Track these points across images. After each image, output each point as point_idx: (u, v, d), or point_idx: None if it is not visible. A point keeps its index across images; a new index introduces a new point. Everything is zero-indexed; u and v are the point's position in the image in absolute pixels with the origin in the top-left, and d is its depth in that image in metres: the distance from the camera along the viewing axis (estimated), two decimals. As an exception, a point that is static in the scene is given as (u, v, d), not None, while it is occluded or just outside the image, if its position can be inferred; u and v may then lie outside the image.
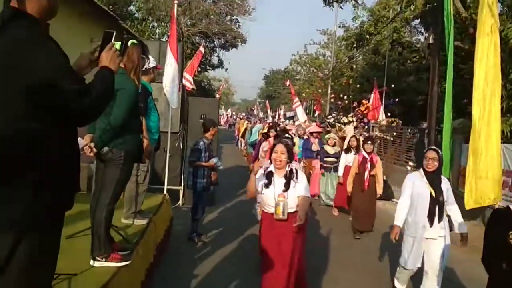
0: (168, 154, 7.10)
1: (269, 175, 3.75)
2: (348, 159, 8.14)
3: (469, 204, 6.24)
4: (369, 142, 7.28)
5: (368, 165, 7.07)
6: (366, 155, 7.14)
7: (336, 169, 8.98)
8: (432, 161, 4.20)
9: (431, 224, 4.10)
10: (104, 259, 3.06)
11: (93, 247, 3.08)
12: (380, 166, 7.32)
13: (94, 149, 3.08)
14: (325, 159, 9.46)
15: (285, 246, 3.61)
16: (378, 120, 15.46)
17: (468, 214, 7.47)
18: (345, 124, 14.46)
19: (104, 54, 1.94)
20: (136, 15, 20.74)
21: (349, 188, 7.40)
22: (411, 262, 4.23)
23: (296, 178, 3.70)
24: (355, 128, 15.52)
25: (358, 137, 8.56)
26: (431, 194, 4.13)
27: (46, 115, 1.69)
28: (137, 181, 4.37)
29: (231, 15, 24.91)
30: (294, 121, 20.12)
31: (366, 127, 15.91)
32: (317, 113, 24.40)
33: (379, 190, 7.22)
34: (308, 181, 10.39)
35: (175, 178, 7.97)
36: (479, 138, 6.47)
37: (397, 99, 17.47)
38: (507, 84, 8.11)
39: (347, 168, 7.98)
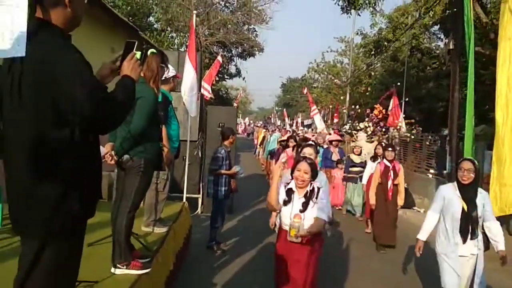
0: (187, 163, 7.15)
1: (289, 193, 3.53)
2: (374, 168, 7.63)
3: (494, 213, 6.09)
4: (390, 149, 6.93)
5: (391, 173, 6.73)
6: (388, 164, 6.80)
7: (361, 179, 8.65)
8: (468, 172, 3.81)
9: (464, 241, 3.79)
10: (125, 267, 3.08)
11: (114, 255, 3.11)
12: (402, 174, 6.97)
13: (115, 157, 3.12)
14: (350, 168, 9.14)
15: (297, 270, 3.43)
16: (398, 127, 15.28)
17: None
18: (359, 130, 14.37)
19: (125, 63, 1.97)
20: (155, 26, 21.09)
21: (372, 200, 6.98)
22: (449, 282, 3.86)
23: (316, 198, 3.45)
24: (373, 133, 15.40)
25: (383, 145, 8.12)
26: (463, 209, 3.79)
27: (72, 123, 1.73)
28: (157, 189, 4.40)
29: (248, 24, 25.09)
30: (312, 129, 20.04)
31: (384, 130, 15.75)
32: (335, 121, 24.29)
33: (400, 202, 6.83)
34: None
35: (194, 186, 8.02)
36: (502, 145, 6.36)
37: (407, 99, 17.18)
38: (530, 90, 7.90)
39: (371, 177, 7.60)
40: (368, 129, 15.22)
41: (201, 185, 8.15)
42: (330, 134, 15.02)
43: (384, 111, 16.65)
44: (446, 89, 15.40)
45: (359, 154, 9.09)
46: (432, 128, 19.14)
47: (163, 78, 4.13)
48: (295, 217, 3.36)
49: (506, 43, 6.36)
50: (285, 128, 22.97)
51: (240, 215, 8.39)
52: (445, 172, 10.60)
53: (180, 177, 7.47)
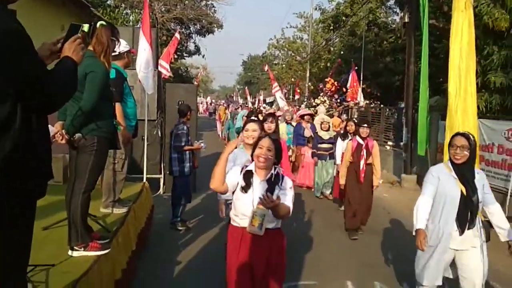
0: (146, 143, 6.98)
1: (247, 176, 2.89)
2: (345, 146, 6.87)
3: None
4: (365, 125, 6.10)
5: (364, 152, 6.05)
6: (361, 141, 6.09)
7: (332, 156, 8.29)
8: (461, 149, 3.21)
9: (462, 232, 3.24)
10: (82, 249, 2.99)
11: (71, 237, 3.01)
12: (377, 152, 6.22)
13: (66, 136, 2.98)
14: (319, 145, 8.53)
15: (258, 269, 2.86)
16: (357, 101, 15.59)
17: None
18: (317, 106, 14.55)
19: (67, 45, 1.88)
20: (108, 2, 20.18)
21: (342, 180, 6.33)
22: (429, 277, 3.39)
23: (281, 184, 2.90)
24: (330, 107, 15.64)
25: (355, 121, 7.40)
26: (461, 194, 3.23)
27: (9, 101, 1.61)
28: (115, 169, 4.28)
29: (206, 0, 24.50)
30: (274, 106, 20.06)
31: (339, 101, 16.01)
32: (296, 97, 24.46)
33: (376, 182, 6.23)
34: (295, 170, 9.85)
35: (154, 166, 7.87)
36: (455, 114, 6.58)
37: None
38: (481, 60, 8.23)
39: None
40: (324, 104, 15.45)
41: (162, 165, 8.01)
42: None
43: (336, 83, 16.94)
44: (402, 64, 15.74)
45: (327, 130, 8.55)
46: (390, 101, 19.66)
47: (116, 53, 3.96)
48: (259, 204, 2.73)
49: (459, 14, 6.51)
50: (248, 106, 22.80)
51: (203, 193, 8.35)
52: (401, 143, 10.96)
53: (140, 158, 7.30)
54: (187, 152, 6.08)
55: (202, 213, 6.99)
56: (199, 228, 6.24)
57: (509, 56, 8.05)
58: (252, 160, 2.96)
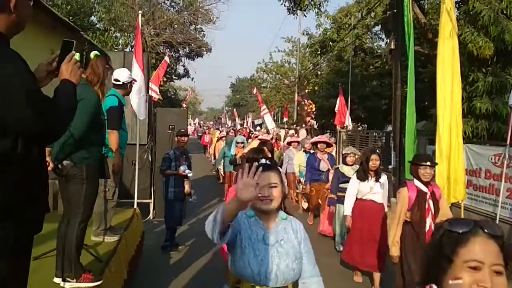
0: (137, 167, 6.94)
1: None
2: (363, 189, 5.07)
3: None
4: (428, 163, 3.95)
5: (430, 205, 3.94)
6: (424, 188, 3.96)
7: None
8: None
9: None
10: (75, 280, 2.93)
11: (63, 268, 2.95)
12: (445, 204, 4.18)
13: (52, 164, 2.94)
14: (340, 185, 6.21)
15: None
16: (345, 125, 15.76)
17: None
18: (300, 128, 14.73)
19: (64, 66, 1.86)
20: (97, 25, 20.31)
21: (395, 251, 4.04)
22: None
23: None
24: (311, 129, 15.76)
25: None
26: None
27: (11, 134, 1.61)
28: (105, 197, 4.24)
29: (195, 24, 24.83)
30: (263, 129, 20.10)
31: (313, 123, 16.15)
32: (285, 120, 24.65)
33: None
34: (318, 214, 7.71)
35: (144, 191, 7.80)
36: (443, 139, 6.71)
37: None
38: (466, 87, 8.45)
39: (360, 205, 5.11)
40: (304, 126, 15.62)
41: (152, 189, 7.95)
42: (284, 133, 15.19)
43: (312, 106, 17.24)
44: (388, 88, 16.08)
45: (353, 164, 6.24)
46: (377, 125, 19.95)
47: (120, 82, 4.01)
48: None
49: (445, 41, 6.71)
50: (244, 129, 21.58)
51: (193, 218, 8.27)
52: (390, 167, 11.06)
53: (130, 182, 7.24)
54: (172, 176, 6.15)
55: (192, 239, 6.91)
56: (190, 254, 6.17)
57: (494, 83, 8.28)
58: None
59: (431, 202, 3.96)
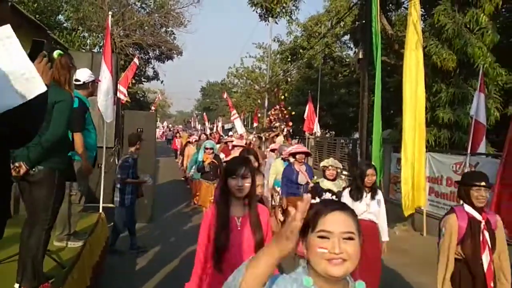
0: (103, 171, 6.78)
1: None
2: (359, 209, 4.27)
3: (407, 211, 6.67)
4: (483, 184, 3.07)
5: (486, 236, 3.09)
6: (477, 215, 3.11)
7: None
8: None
9: None
10: (33, 288, 2.83)
11: (25, 275, 2.84)
12: (503, 235, 3.20)
13: (23, 168, 2.81)
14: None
15: None
16: (314, 132, 15.98)
17: (397, 219, 7.92)
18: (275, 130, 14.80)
19: (35, 66, 1.76)
20: (65, 24, 19.79)
21: None
22: None
23: None
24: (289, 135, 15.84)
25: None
26: None
27: None
28: (70, 201, 4.12)
29: (166, 27, 24.57)
30: (233, 133, 20.05)
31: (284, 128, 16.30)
32: (255, 125, 24.73)
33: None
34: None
35: (110, 195, 7.61)
36: (409, 148, 6.93)
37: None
38: (430, 97, 8.75)
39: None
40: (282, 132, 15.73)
41: (118, 193, 7.77)
42: (250, 138, 15.18)
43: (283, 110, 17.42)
44: (356, 96, 16.44)
45: (334, 179, 5.51)
46: (344, 132, 20.33)
47: (81, 82, 3.91)
48: None
49: (411, 53, 6.95)
50: (215, 132, 20.55)
51: (161, 223, 8.16)
52: (357, 173, 11.27)
53: (96, 186, 7.06)
54: (130, 184, 6.24)
55: (159, 243, 6.82)
56: (156, 259, 6.08)
57: (456, 94, 8.63)
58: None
59: (486, 234, 3.07)
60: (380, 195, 4.57)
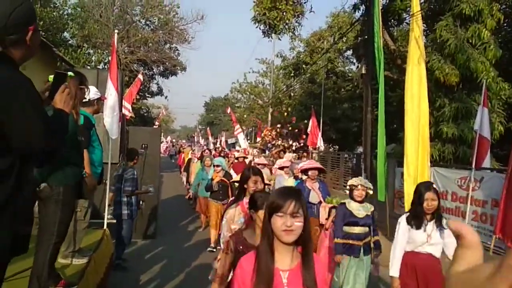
0: (108, 186, 6.80)
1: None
2: (417, 239, 3.73)
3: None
4: None
5: None
6: None
7: (368, 249, 4.64)
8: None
9: None
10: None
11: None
12: None
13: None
14: (347, 228, 4.61)
15: None
16: (317, 146, 15.98)
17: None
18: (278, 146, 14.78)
19: (58, 97, 2.02)
20: (70, 41, 20.06)
21: None
22: None
23: None
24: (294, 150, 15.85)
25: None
26: None
27: (11, 153, 1.70)
28: (76, 218, 4.12)
29: (170, 43, 24.86)
30: (236, 148, 20.07)
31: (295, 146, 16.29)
32: (258, 139, 24.76)
33: None
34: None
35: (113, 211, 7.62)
36: (411, 162, 6.91)
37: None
38: (434, 111, 8.77)
39: (412, 261, 3.73)
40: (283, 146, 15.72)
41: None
42: (254, 153, 15.20)
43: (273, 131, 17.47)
44: (359, 110, 16.47)
45: (362, 201, 4.69)
46: (348, 146, 20.33)
47: (86, 99, 3.95)
48: None
49: (413, 68, 6.99)
50: (218, 147, 19.84)
51: (164, 239, 8.13)
52: (361, 188, 11.23)
53: (100, 202, 7.07)
54: (136, 195, 6.58)
55: (162, 260, 6.79)
56: (158, 275, 6.04)
57: (460, 108, 8.64)
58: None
59: None
60: (444, 223, 3.73)
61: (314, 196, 6.05)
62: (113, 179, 7.27)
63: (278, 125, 17.90)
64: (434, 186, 3.80)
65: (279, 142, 16.96)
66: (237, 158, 11.37)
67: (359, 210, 4.59)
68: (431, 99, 8.03)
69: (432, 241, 3.65)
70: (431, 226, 3.68)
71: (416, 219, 3.69)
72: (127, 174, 6.46)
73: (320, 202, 6.00)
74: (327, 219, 5.52)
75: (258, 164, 8.63)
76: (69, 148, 2.99)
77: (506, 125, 9.06)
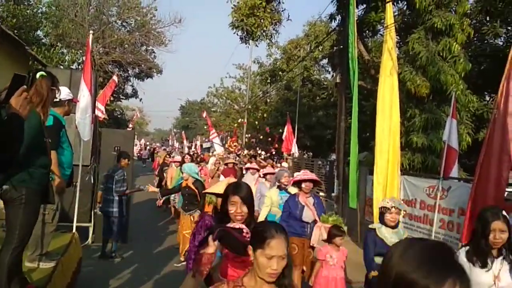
0: (78, 189, 6.67)
1: None
2: (482, 281, 2.88)
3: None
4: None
5: None
6: None
7: None
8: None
9: None
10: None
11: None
12: None
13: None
14: (378, 259, 3.71)
15: None
16: (292, 153, 16.11)
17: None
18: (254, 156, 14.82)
19: (14, 100, 1.95)
20: (43, 40, 19.58)
21: None
22: None
23: None
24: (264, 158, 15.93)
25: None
26: None
27: None
28: (44, 220, 4.02)
29: (146, 46, 24.61)
30: (212, 152, 19.97)
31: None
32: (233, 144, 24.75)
33: None
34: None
35: (84, 214, 7.47)
36: (381, 171, 7.08)
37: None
38: (405, 121, 9.00)
39: None
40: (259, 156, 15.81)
41: (92, 212, 7.63)
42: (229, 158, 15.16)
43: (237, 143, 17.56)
44: (333, 118, 16.73)
45: (395, 226, 3.93)
46: (322, 153, 20.58)
47: (57, 99, 3.87)
48: None
49: (386, 78, 7.18)
50: (213, 153, 19.03)
51: (135, 243, 8.01)
52: (333, 194, 11.39)
53: (70, 205, 6.92)
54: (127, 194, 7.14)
55: (134, 264, 6.69)
56: (130, 279, 5.95)
57: (430, 119, 8.91)
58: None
59: None
60: None
61: (309, 214, 5.16)
62: (83, 181, 7.15)
63: (247, 135, 17.98)
64: (504, 213, 2.93)
65: (245, 153, 17.03)
66: (226, 164, 10.77)
67: (392, 237, 3.77)
68: (402, 110, 8.24)
69: (501, 283, 2.86)
70: (498, 264, 2.89)
71: (480, 255, 2.89)
72: (118, 175, 6.82)
73: (314, 221, 5.17)
74: (316, 259, 4.71)
75: (250, 169, 8.77)
76: (34, 149, 2.92)
77: (473, 136, 9.38)
